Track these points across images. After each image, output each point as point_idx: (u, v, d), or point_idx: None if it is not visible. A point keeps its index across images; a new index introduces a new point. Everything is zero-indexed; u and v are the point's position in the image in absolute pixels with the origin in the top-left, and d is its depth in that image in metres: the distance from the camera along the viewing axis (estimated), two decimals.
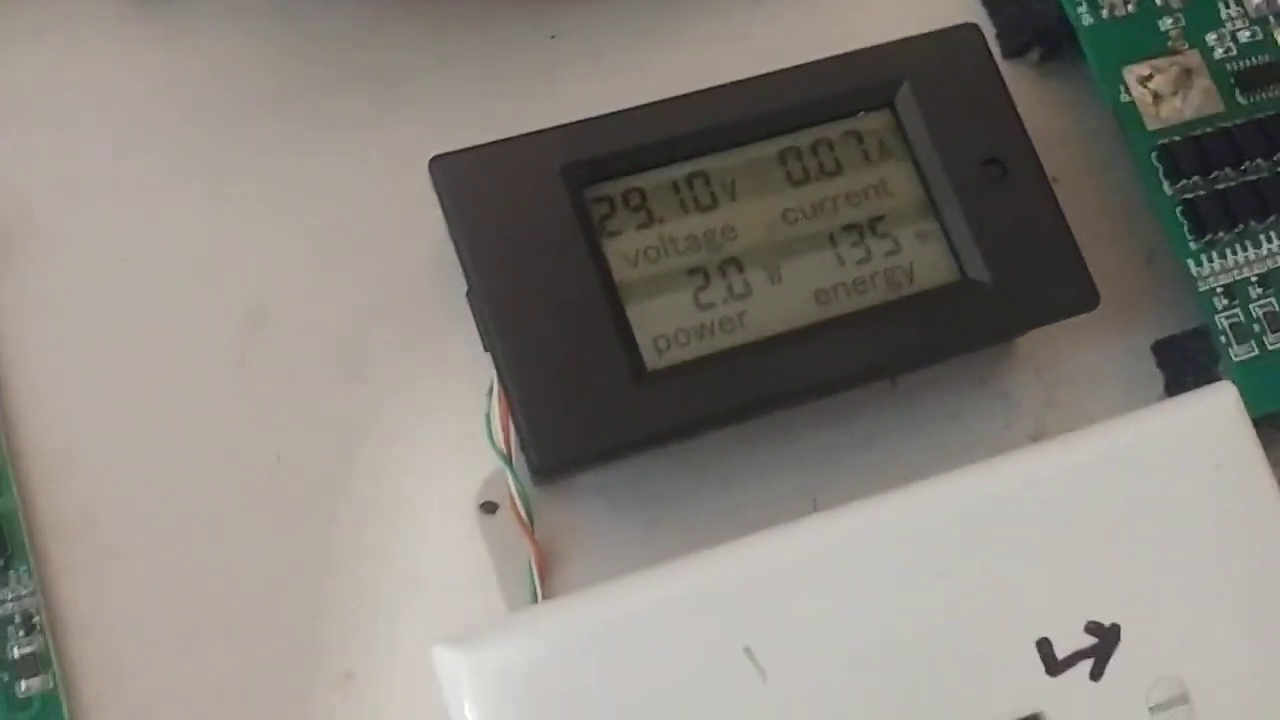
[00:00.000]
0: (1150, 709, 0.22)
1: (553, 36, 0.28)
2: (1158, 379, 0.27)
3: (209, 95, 0.26)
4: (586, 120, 0.24)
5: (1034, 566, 0.22)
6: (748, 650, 0.21)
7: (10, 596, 0.23)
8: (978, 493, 0.23)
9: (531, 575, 0.24)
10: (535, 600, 0.24)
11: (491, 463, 0.24)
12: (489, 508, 0.24)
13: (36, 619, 0.23)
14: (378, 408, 0.25)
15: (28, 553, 0.23)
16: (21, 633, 0.23)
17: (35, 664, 0.22)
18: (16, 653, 0.22)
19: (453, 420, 0.25)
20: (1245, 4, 0.27)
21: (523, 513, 0.24)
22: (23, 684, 0.22)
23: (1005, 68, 0.28)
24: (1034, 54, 0.28)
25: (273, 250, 0.26)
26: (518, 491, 0.24)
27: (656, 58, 0.28)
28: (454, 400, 0.25)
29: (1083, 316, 0.26)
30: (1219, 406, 0.24)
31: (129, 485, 0.24)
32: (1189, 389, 0.25)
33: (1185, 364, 0.26)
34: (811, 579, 0.22)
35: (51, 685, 0.22)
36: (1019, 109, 0.28)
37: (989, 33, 0.28)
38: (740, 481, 0.25)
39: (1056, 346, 0.27)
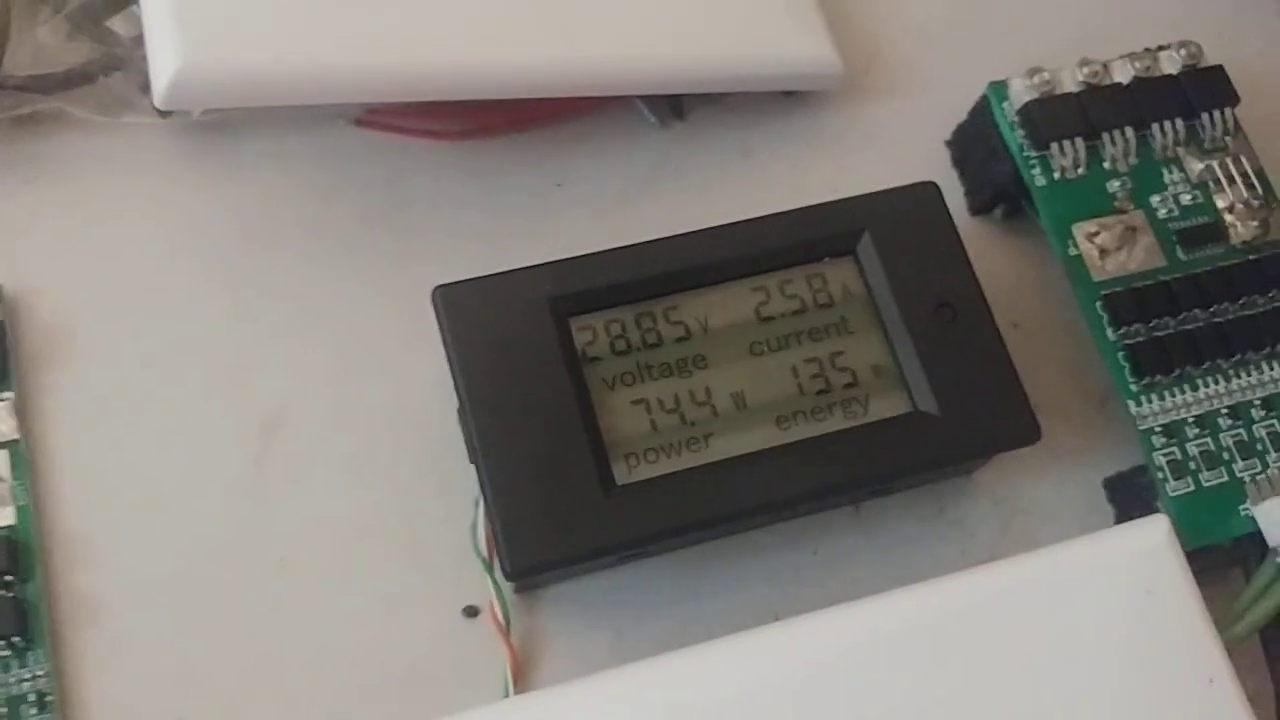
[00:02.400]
0: None
1: (558, 185, 0.30)
2: (1109, 512, 0.28)
3: (248, 224, 0.29)
4: (575, 257, 0.26)
5: (970, 682, 0.23)
6: None
7: (27, 676, 0.25)
8: (920, 612, 0.24)
9: (506, 676, 0.25)
10: (507, 693, 0.25)
11: (476, 569, 0.26)
12: (471, 612, 0.26)
13: (50, 698, 0.24)
14: (376, 515, 0.27)
15: (45, 635, 0.25)
16: (34, 710, 0.24)
17: None
18: None
19: (443, 529, 0.26)
20: (1187, 170, 0.29)
21: (501, 618, 0.25)
22: None
23: (973, 223, 0.31)
24: (998, 211, 0.30)
25: (293, 364, 0.28)
26: (497, 597, 0.26)
27: (652, 204, 0.30)
28: (446, 510, 0.26)
29: (1040, 453, 0.28)
30: (1152, 538, 0.25)
31: (143, 577, 0.26)
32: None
33: (1133, 499, 0.27)
34: (759, 686, 0.23)
35: None
36: (984, 261, 0.30)
37: (958, 191, 0.31)
38: (707, 595, 0.27)
39: (1014, 480, 0.28)
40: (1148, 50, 0.30)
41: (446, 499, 0.27)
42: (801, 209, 0.27)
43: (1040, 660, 0.24)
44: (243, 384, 0.28)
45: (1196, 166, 0.29)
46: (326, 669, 0.26)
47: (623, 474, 0.25)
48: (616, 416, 0.25)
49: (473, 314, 0.25)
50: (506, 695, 0.25)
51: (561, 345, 0.25)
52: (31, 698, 0.24)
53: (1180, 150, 0.29)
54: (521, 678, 0.26)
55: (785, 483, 0.25)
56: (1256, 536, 0.26)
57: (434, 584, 0.26)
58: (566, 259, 0.26)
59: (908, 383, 0.26)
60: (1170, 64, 0.30)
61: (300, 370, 0.28)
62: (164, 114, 0.29)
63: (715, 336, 0.26)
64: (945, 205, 0.27)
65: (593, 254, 0.26)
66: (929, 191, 0.27)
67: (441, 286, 0.26)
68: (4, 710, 0.24)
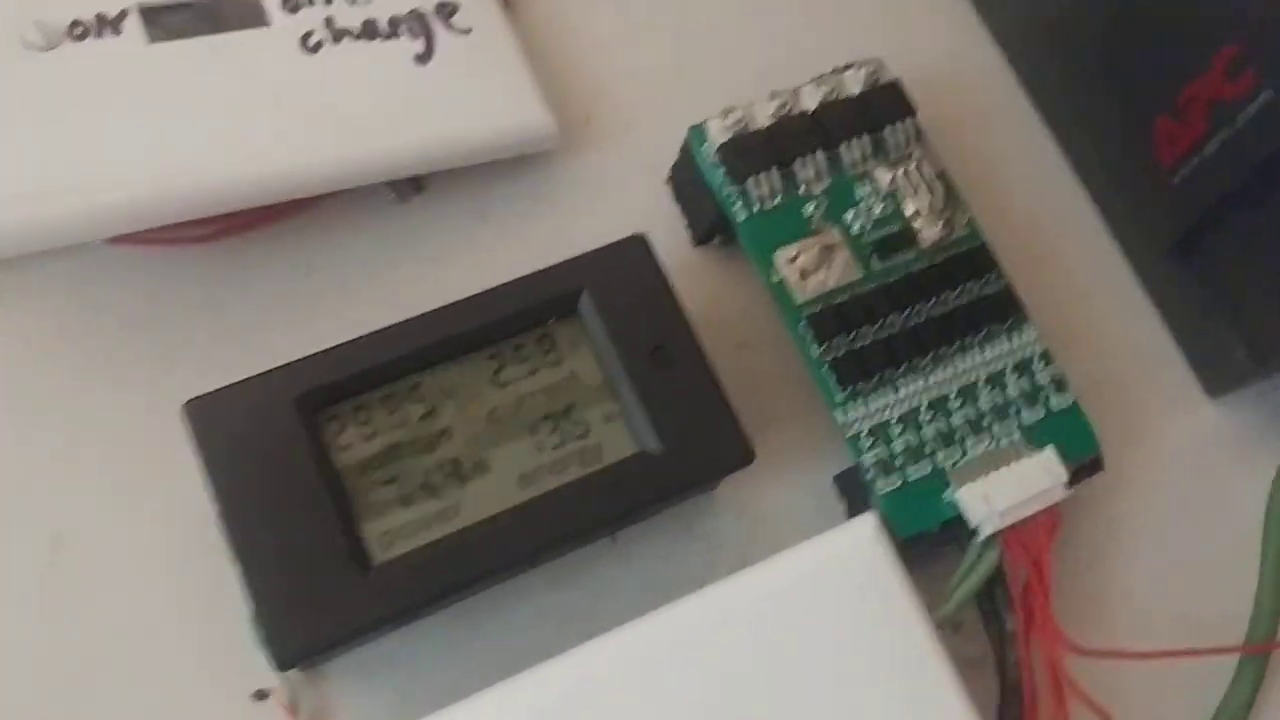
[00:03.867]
0: None
1: (309, 271, 0.32)
2: (841, 507, 0.31)
3: (13, 354, 0.30)
4: (318, 353, 0.28)
5: (714, 685, 0.26)
6: None
7: None
8: (666, 632, 0.26)
9: None
10: None
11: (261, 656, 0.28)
12: (260, 695, 0.28)
13: None
14: (163, 616, 0.28)
15: None
16: None
17: None
18: None
19: (227, 622, 0.28)
20: (877, 183, 0.31)
21: (286, 699, 0.27)
22: None
23: (697, 253, 0.33)
24: (716, 240, 0.33)
25: (71, 484, 0.29)
26: (281, 680, 0.27)
27: (401, 277, 0.32)
28: (230, 603, 0.28)
29: (773, 462, 0.30)
30: (861, 536, 0.27)
31: None
32: (865, 510, 0.29)
33: (858, 491, 0.30)
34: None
35: None
36: (710, 288, 0.32)
37: (682, 223, 0.33)
38: (483, 644, 0.29)
39: (751, 490, 0.31)
40: (834, 71, 0.32)
41: (229, 593, 0.28)
42: (526, 276, 0.29)
43: (776, 661, 0.26)
44: (24, 507, 0.29)
45: (885, 177, 0.31)
46: None
47: (379, 553, 0.27)
48: (369, 499, 0.27)
49: (222, 423, 0.27)
50: None
51: (310, 440, 0.27)
52: None
53: (870, 164, 0.31)
54: None
55: (531, 537, 0.27)
56: (962, 519, 0.29)
57: (223, 673, 0.28)
58: (309, 356, 0.28)
59: (633, 426, 0.28)
60: (854, 83, 0.32)
61: (78, 489, 0.29)
62: None
63: (457, 408, 0.28)
64: (654, 255, 0.29)
65: (334, 347, 0.28)
66: (638, 244, 0.29)
67: (190, 401, 0.27)
68: None
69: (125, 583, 0.28)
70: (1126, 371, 0.33)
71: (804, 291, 0.30)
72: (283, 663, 0.26)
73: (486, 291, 0.29)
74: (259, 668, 0.27)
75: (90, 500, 0.29)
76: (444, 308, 0.29)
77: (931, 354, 0.30)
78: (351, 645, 0.27)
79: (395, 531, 0.27)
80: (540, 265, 0.29)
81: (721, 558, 0.30)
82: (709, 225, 0.32)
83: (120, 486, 0.29)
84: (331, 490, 0.27)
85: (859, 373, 0.30)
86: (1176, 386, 0.33)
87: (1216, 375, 0.33)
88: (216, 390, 0.27)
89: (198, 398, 0.27)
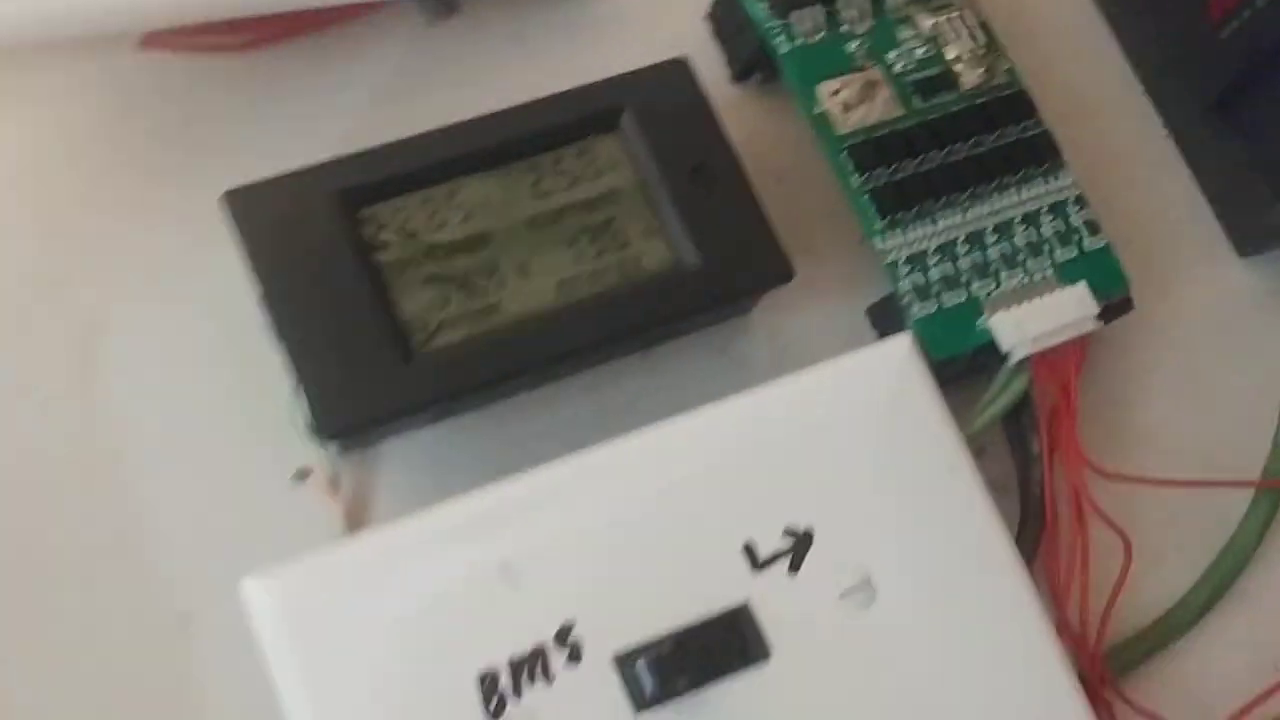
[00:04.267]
0: (839, 595, 0.26)
1: (341, 88, 0.32)
2: (873, 337, 0.31)
3: (47, 152, 0.30)
4: (359, 152, 0.28)
5: (741, 489, 0.26)
6: (505, 566, 0.25)
7: None
8: (692, 432, 0.27)
9: (339, 527, 0.28)
10: None
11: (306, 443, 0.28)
12: (301, 474, 0.28)
13: None
14: (203, 405, 0.28)
15: None
16: None
17: None
18: None
19: (271, 409, 0.28)
20: (919, 27, 0.32)
21: (327, 477, 0.28)
22: None
23: (735, 90, 0.33)
24: (756, 77, 0.33)
25: (108, 276, 0.29)
26: (324, 458, 0.28)
27: (433, 97, 0.32)
28: (270, 393, 0.28)
29: (807, 292, 0.30)
30: (897, 353, 0.28)
31: None
32: None
33: (890, 323, 0.30)
34: (557, 505, 0.26)
35: None
36: (748, 124, 0.32)
37: (720, 60, 0.33)
38: (521, 446, 0.29)
39: (785, 317, 0.31)
40: None
41: (270, 380, 0.28)
42: (567, 91, 0.29)
43: (802, 466, 0.26)
44: (62, 298, 0.29)
45: (927, 23, 0.32)
46: (166, 539, 0.28)
47: (421, 344, 0.27)
48: (410, 294, 0.27)
49: (262, 213, 0.27)
50: None
51: (350, 236, 0.27)
52: None
53: (912, 9, 0.32)
54: (352, 529, 0.28)
55: (569, 339, 0.27)
56: (994, 346, 0.29)
57: (264, 456, 0.28)
58: (351, 154, 0.28)
59: (673, 241, 0.28)
60: None
61: (116, 279, 0.29)
62: None
63: (497, 215, 0.28)
64: (695, 78, 0.29)
65: (376, 147, 0.28)
66: (680, 68, 0.30)
67: (229, 191, 0.27)
68: None
69: (166, 369, 0.29)
70: (1157, 226, 0.33)
71: (846, 124, 0.30)
72: (325, 431, 0.26)
73: (527, 104, 0.29)
74: (299, 452, 0.28)
75: (129, 291, 0.29)
76: (485, 116, 0.29)
77: (970, 191, 0.30)
78: (391, 428, 0.27)
79: (435, 326, 0.27)
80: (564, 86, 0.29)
81: (752, 380, 0.30)
82: (748, 61, 0.32)
83: (158, 278, 0.29)
84: (373, 284, 0.27)
85: (899, 203, 0.30)
86: (1206, 243, 0.33)
87: (1247, 234, 0.33)
88: (257, 182, 0.27)
89: (237, 188, 0.27)
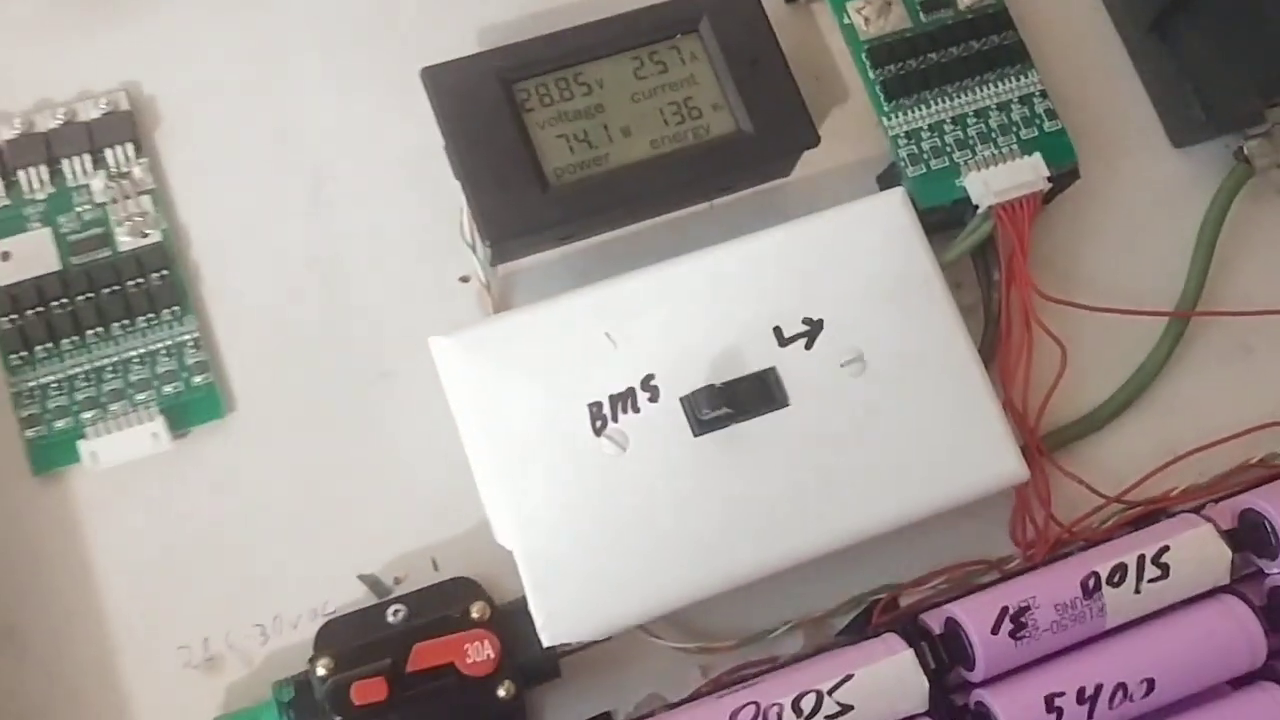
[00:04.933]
0: (840, 365, 0.36)
1: None
2: None
3: (300, 32, 0.41)
4: (516, 43, 0.39)
5: (774, 291, 0.37)
6: (607, 334, 0.36)
7: (184, 332, 0.38)
8: (742, 252, 0.37)
9: (489, 313, 0.39)
10: None
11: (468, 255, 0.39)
12: (464, 279, 0.39)
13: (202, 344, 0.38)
14: (403, 220, 0.40)
15: (191, 304, 0.38)
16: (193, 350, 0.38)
17: None
18: None
19: (447, 231, 0.39)
20: None
21: (483, 277, 0.39)
22: None
23: (788, 9, 0.43)
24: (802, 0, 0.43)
25: (332, 127, 0.40)
26: (481, 266, 0.39)
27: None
28: (448, 218, 0.39)
29: (836, 166, 0.41)
30: (892, 200, 0.38)
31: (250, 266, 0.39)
32: None
33: (893, 185, 0.40)
34: (645, 295, 0.37)
35: None
36: (796, 35, 0.42)
37: None
38: (621, 269, 0.39)
39: (817, 182, 0.41)
40: None
41: (447, 208, 0.39)
42: (662, 2, 0.40)
43: (817, 278, 0.37)
44: (295, 142, 0.40)
45: None
46: (364, 315, 0.39)
47: (554, 180, 0.38)
48: (547, 144, 0.38)
49: (450, 84, 0.38)
50: None
51: (509, 101, 0.38)
52: (190, 343, 0.38)
53: None
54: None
55: (659, 182, 0.38)
56: (969, 200, 0.39)
57: (439, 264, 0.39)
58: (509, 44, 0.39)
59: (734, 113, 0.39)
60: None
61: (335, 133, 0.40)
62: None
63: (609, 91, 0.39)
64: None
65: (526, 40, 0.39)
66: None
67: (427, 68, 0.38)
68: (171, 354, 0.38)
69: (377, 201, 0.40)
70: (1108, 116, 0.43)
71: (867, 32, 0.40)
72: (490, 236, 0.37)
73: (634, 10, 0.39)
74: (466, 263, 0.39)
75: (348, 140, 0.40)
76: (599, 20, 0.39)
77: (958, 84, 0.40)
78: (530, 241, 0.38)
79: (564, 169, 0.38)
80: None
81: None
82: None
83: (372, 132, 0.40)
84: (521, 136, 0.38)
85: (902, 91, 0.40)
86: (1148, 133, 0.43)
87: (1180, 128, 0.43)
88: (444, 62, 0.38)
89: (431, 65, 0.38)
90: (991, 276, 0.39)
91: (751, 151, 0.39)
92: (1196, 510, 0.35)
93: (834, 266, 0.37)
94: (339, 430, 0.38)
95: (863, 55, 0.40)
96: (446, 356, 0.36)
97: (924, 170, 0.39)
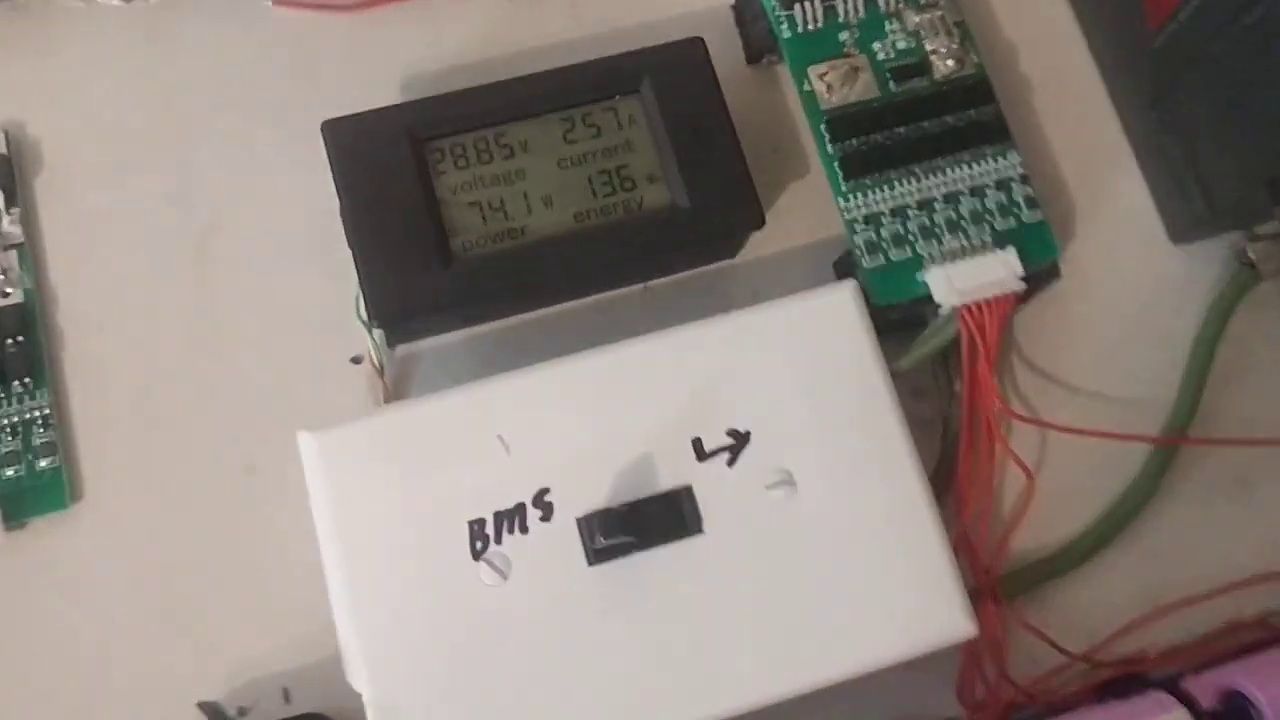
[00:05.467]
0: (766, 487, 0.31)
1: (429, 44, 0.38)
2: None
3: (189, 81, 0.37)
4: (429, 98, 0.34)
5: (698, 395, 0.32)
6: (500, 437, 0.31)
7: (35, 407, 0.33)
8: (663, 347, 0.32)
9: (379, 402, 0.34)
10: None
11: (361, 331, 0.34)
12: (356, 359, 0.35)
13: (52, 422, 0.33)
14: (289, 295, 0.35)
15: (46, 378, 0.34)
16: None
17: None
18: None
19: (337, 303, 0.35)
20: (904, 22, 0.36)
21: (376, 360, 0.34)
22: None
23: (749, 70, 0.38)
24: (765, 60, 0.38)
25: (225, 186, 0.36)
26: (374, 348, 0.34)
27: (498, 51, 0.38)
28: (342, 292, 0.35)
29: (785, 245, 0.36)
30: (840, 296, 0.33)
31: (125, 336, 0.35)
32: None
33: (849, 274, 0.35)
34: (548, 395, 0.32)
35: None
36: (756, 100, 0.38)
37: (737, 44, 0.38)
38: (530, 355, 0.34)
39: (764, 265, 0.36)
40: None
41: (342, 281, 0.35)
42: (600, 59, 0.35)
43: (748, 383, 0.32)
44: (185, 201, 0.36)
45: (913, 19, 0.36)
46: (239, 400, 0.34)
47: (460, 252, 0.33)
48: (457, 212, 0.33)
49: (351, 139, 0.33)
50: None
51: (417, 163, 0.33)
52: (39, 420, 0.33)
53: (901, 6, 0.36)
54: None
55: (580, 260, 0.33)
56: (929, 298, 0.34)
57: (330, 342, 0.35)
58: (424, 98, 0.34)
59: (672, 186, 0.34)
60: None
61: (230, 191, 0.36)
62: None
63: (533, 155, 0.34)
64: (707, 56, 0.35)
65: (446, 94, 0.34)
66: (696, 44, 0.35)
67: (329, 121, 0.33)
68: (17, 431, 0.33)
69: (260, 268, 0.35)
70: (1099, 206, 0.38)
71: (828, 100, 0.36)
72: (377, 315, 0.32)
73: (566, 67, 0.35)
74: (357, 341, 0.34)
75: (238, 200, 0.36)
76: (529, 75, 0.35)
77: (927, 163, 0.35)
78: (429, 322, 0.34)
79: (474, 241, 0.33)
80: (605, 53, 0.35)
81: None
82: (760, 44, 0.37)
83: (264, 190, 0.36)
84: (428, 203, 0.33)
85: (862, 169, 0.35)
86: (1144, 226, 0.38)
87: (1179, 223, 0.37)
88: (349, 115, 0.34)
89: (334, 119, 0.33)
90: (953, 388, 0.34)
91: (687, 230, 0.34)
92: (1175, 681, 0.30)
93: (769, 370, 0.32)
94: (194, 533, 0.33)
95: (822, 126, 0.35)
96: (313, 455, 0.31)
97: (882, 261, 0.35)
